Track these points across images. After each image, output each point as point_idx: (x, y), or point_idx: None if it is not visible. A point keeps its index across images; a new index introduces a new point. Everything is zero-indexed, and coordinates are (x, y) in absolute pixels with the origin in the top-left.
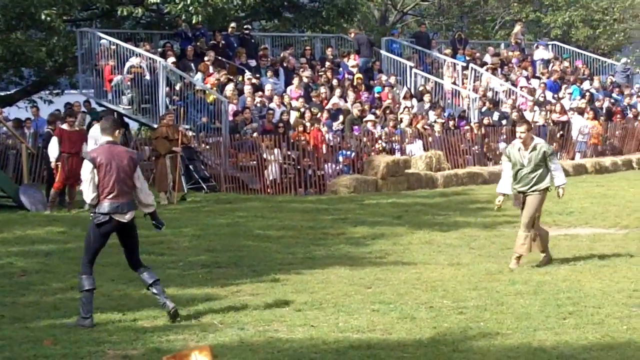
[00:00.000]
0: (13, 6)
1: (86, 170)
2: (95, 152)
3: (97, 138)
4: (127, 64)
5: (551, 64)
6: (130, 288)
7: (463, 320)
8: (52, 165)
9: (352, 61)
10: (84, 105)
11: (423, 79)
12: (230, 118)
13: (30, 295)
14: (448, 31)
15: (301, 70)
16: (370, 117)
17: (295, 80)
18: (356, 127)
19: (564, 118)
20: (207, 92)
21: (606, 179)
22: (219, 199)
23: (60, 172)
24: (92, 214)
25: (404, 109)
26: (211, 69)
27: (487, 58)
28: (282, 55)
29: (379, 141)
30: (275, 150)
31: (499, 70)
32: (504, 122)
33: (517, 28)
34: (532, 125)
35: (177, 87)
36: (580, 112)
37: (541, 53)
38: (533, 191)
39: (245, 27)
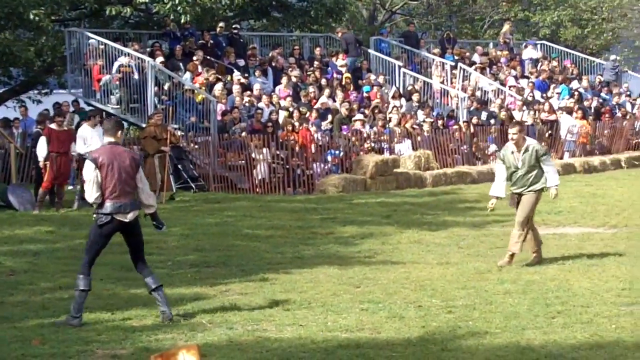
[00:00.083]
0: (1, 6)
1: (88, 170)
2: (96, 152)
3: (85, 138)
4: (116, 63)
5: (540, 64)
6: (118, 287)
7: (452, 320)
8: (41, 164)
9: (341, 61)
10: (72, 105)
11: (412, 78)
12: (219, 117)
13: (18, 295)
14: (437, 30)
15: (290, 69)
16: (359, 116)
17: (284, 80)
18: (345, 126)
19: (552, 117)
20: (196, 92)
21: (595, 178)
22: (207, 198)
23: (49, 172)
24: (94, 215)
25: (393, 108)
26: (200, 69)
27: (476, 57)
28: (270, 54)
29: (368, 141)
30: (264, 150)
31: (488, 69)
32: (492, 121)
33: (506, 27)
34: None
35: (166, 87)
36: (569, 111)
37: (530, 52)
38: (529, 191)
39: (233, 26)
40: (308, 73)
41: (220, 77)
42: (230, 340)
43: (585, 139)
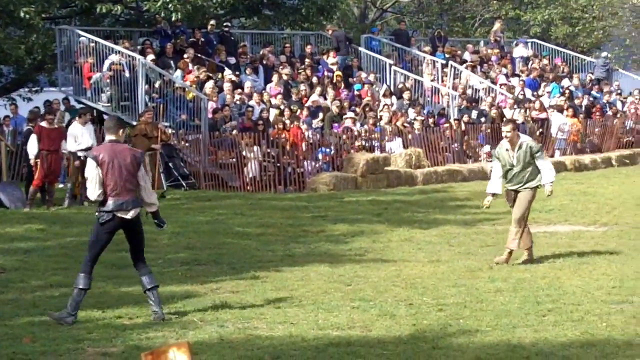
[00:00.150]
0: None
1: (90, 168)
2: (97, 150)
3: (76, 135)
4: (107, 61)
5: (530, 62)
6: (109, 285)
7: (442, 318)
8: (31, 162)
9: (332, 58)
10: (63, 103)
11: (402, 76)
12: (210, 115)
13: (9, 293)
14: (427, 29)
15: (281, 67)
16: (349, 114)
17: (275, 78)
18: (336, 124)
19: (543, 115)
20: (187, 90)
21: (585, 176)
22: (198, 196)
23: (40, 170)
24: (96, 213)
25: (384, 106)
26: (191, 67)
27: (467, 56)
28: (261, 52)
29: (359, 139)
30: (255, 148)
31: (479, 67)
32: (482, 119)
33: (497, 26)
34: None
35: (157, 85)
36: (560, 109)
37: (520, 51)
38: (525, 188)
39: (224, 24)
40: (299, 71)
41: (211, 75)
42: (221, 338)
43: (576, 137)
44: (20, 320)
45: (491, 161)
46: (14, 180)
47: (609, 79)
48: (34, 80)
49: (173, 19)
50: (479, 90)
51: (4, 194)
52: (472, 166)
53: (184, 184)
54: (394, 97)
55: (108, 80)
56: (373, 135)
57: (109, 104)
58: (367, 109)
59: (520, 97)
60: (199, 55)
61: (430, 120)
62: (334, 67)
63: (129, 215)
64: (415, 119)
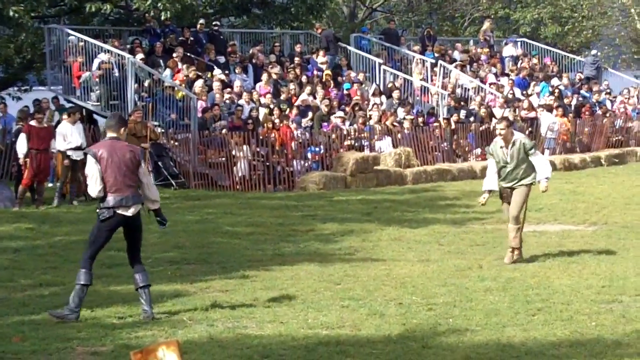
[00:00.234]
0: None
1: (90, 165)
2: (96, 147)
3: (65, 134)
4: (97, 60)
5: (520, 61)
6: (99, 285)
7: (432, 317)
8: (21, 161)
9: (321, 58)
10: (52, 102)
11: (392, 75)
12: (199, 114)
13: None
14: (417, 28)
15: (270, 66)
16: (339, 113)
17: (264, 77)
18: (325, 123)
19: (532, 114)
20: (176, 89)
21: (575, 175)
22: (187, 195)
23: (29, 169)
24: (97, 210)
25: (373, 105)
26: (180, 66)
27: (456, 55)
28: (251, 51)
29: (348, 138)
30: (244, 147)
31: (468, 67)
32: (471, 119)
33: (486, 25)
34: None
35: (146, 84)
36: (549, 109)
37: (510, 50)
38: (520, 185)
39: (214, 23)
40: (288, 70)
41: (200, 74)
42: (210, 337)
43: (566, 137)
44: (9, 320)
45: (480, 160)
46: (3, 179)
47: (598, 78)
48: (23, 79)
49: (162, 17)
50: (468, 90)
51: None
52: (462, 165)
53: (174, 183)
54: (383, 97)
55: (97, 79)
56: (362, 135)
57: (99, 103)
58: (356, 108)
59: (510, 96)
60: (189, 54)
61: (420, 119)
62: (324, 67)
63: (130, 212)
64: (404, 118)
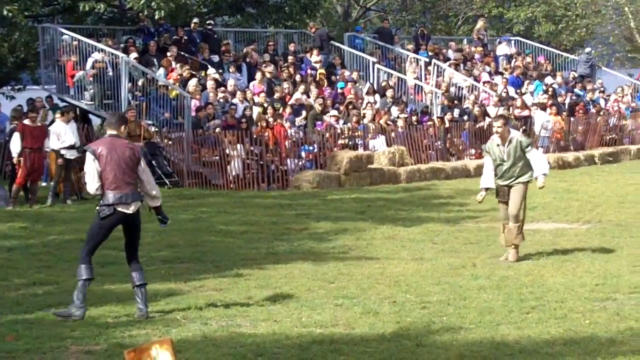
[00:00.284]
0: None
1: (88, 162)
2: (96, 144)
3: (59, 133)
4: (90, 59)
5: (514, 60)
6: (92, 283)
7: (426, 315)
8: (15, 160)
9: (315, 57)
10: (46, 101)
11: (386, 74)
12: (193, 113)
13: None
14: (411, 27)
15: (264, 65)
16: (332, 112)
17: (258, 76)
18: (319, 122)
19: (525, 113)
20: (170, 88)
21: (569, 174)
22: (181, 194)
23: (23, 168)
24: (97, 208)
25: (367, 104)
26: (174, 65)
27: (450, 54)
28: (244, 50)
29: (342, 137)
30: (238, 146)
31: (462, 65)
32: (465, 117)
33: (480, 24)
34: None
35: (140, 83)
36: (543, 107)
37: (504, 49)
38: (517, 183)
39: (207, 22)
40: (282, 69)
41: (194, 73)
42: (204, 335)
43: (559, 135)
44: (3, 319)
45: (474, 159)
46: None
47: (592, 76)
48: (17, 78)
49: (156, 17)
50: (462, 88)
51: None
52: (456, 164)
53: (167, 182)
54: (377, 95)
55: (91, 79)
56: (356, 133)
57: (92, 102)
58: (350, 107)
59: (504, 95)
60: (182, 53)
61: (414, 118)
62: (317, 65)
63: (130, 209)
64: (398, 117)
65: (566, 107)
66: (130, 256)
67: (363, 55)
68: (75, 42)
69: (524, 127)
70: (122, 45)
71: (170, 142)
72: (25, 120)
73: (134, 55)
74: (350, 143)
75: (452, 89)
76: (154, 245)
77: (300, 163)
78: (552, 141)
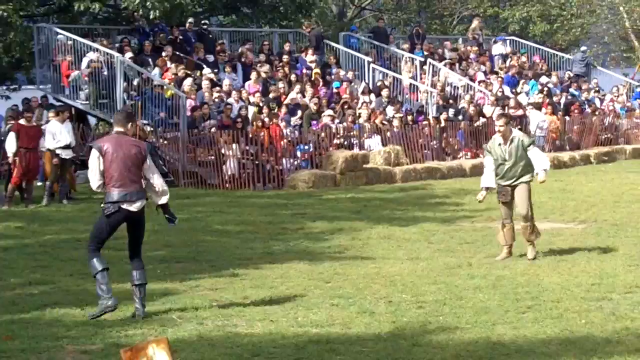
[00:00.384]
0: None
1: (92, 158)
2: (102, 141)
3: (54, 133)
4: (85, 59)
5: (509, 59)
6: (88, 283)
7: (422, 315)
8: (10, 160)
9: (310, 56)
10: (41, 101)
11: (381, 74)
12: (188, 113)
13: None
14: (406, 26)
15: (259, 65)
16: (328, 112)
17: (253, 76)
18: (314, 122)
19: (519, 112)
20: (165, 88)
21: (564, 173)
22: (177, 194)
23: (18, 168)
24: (102, 205)
25: (362, 104)
26: (169, 64)
27: (445, 53)
28: (240, 50)
29: (337, 136)
30: (234, 146)
31: (457, 65)
32: (460, 117)
33: (475, 23)
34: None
35: (135, 83)
36: (538, 107)
37: (499, 48)
38: (520, 182)
39: (203, 22)
40: (277, 69)
41: (189, 72)
42: (200, 335)
43: (555, 135)
44: None
45: (469, 158)
46: None
47: (587, 75)
48: (12, 78)
49: (151, 16)
50: (457, 88)
51: None
52: (451, 164)
53: None
54: (372, 95)
55: (86, 78)
56: (352, 133)
57: (87, 102)
58: (345, 107)
59: (499, 94)
60: (177, 53)
61: (409, 117)
62: (313, 65)
63: (135, 207)
64: (394, 117)
65: (561, 106)
66: (133, 254)
67: (358, 54)
68: (70, 42)
69: (519, 127)
70: (117, 45)
71: (165, 142)
72: (21, 120)
73: (129, 55)
74: (345, 143)
75: (448, 89)
76: (150, 245)
77: (295, 163)
78: (547, 141)
